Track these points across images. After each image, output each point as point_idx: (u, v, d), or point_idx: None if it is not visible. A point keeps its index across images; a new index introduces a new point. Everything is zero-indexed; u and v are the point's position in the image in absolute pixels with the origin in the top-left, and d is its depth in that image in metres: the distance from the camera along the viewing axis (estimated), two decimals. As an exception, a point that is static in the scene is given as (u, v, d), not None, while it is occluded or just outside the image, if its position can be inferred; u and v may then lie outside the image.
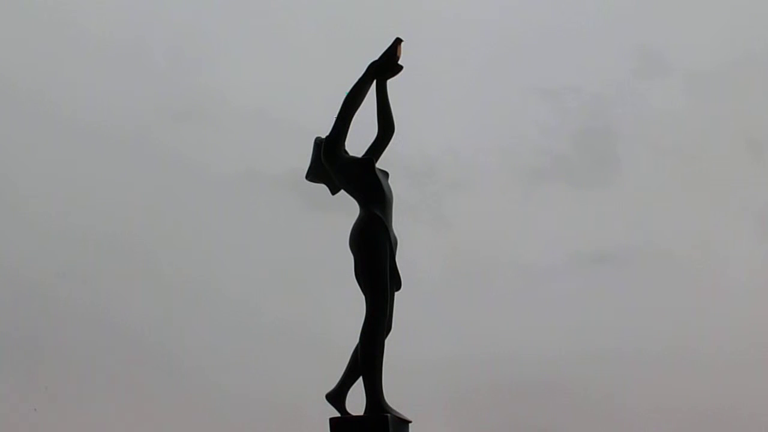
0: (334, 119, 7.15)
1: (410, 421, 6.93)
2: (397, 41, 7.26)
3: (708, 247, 14.27)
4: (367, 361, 6.76)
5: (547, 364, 12.97)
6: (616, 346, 13.15)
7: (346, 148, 7.29)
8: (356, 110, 7.19)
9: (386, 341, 6.92)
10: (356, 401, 6.99)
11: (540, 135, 15.03)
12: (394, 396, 6.86)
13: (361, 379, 6.88)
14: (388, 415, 6.58)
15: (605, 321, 13.42)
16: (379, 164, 7.36)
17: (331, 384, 7.17)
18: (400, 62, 7.30)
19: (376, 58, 7.25)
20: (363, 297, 6.92)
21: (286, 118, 14.08)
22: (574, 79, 15.09)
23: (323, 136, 7.25)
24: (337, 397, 7.11)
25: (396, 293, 7.07)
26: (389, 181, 7.30)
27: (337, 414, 7.01)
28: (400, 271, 7.03)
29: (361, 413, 6.73)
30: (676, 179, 14.77)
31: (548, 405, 12.84)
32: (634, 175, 14.84)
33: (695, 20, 14.93)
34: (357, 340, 6.91)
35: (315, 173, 7.47)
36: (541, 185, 15.01)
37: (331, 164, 7.20)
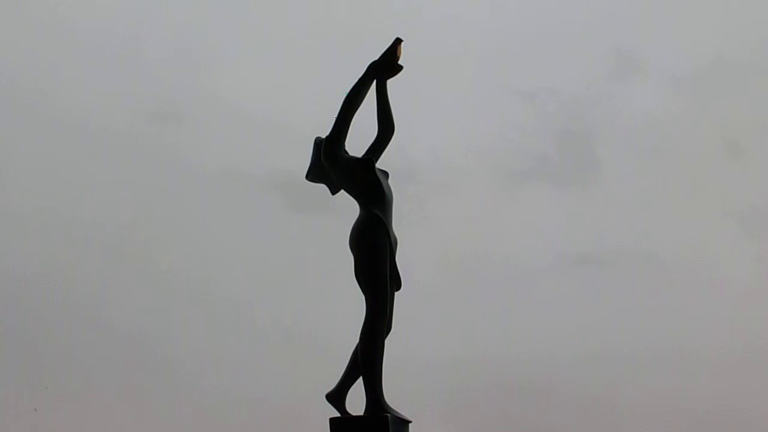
0: (335, 119, 7.15)
1: (410, 421, 6.93)
2: (397, 41, 7.25)
3: (693, 248, 14.36)
4: (367, 361, 6.76)
5: (538, 364, 13.03)
6: (605, 347, 13.23)
7: (346, 148, 7.29)
8: (356, 110, 7.18)
9: (386, 341, 6.93)
10: (356, 401, 6.99)
11: (520, 136, 15.19)
12: (394, 396, 6.87)
13: (361, 379, 6.88)
14: (388, 415, 6.58)
15: (594, 322, 13.49)
16: (378, 164, 7.36)
17: (331, 384, 7.18)
18: (399, 62, 7.30)
19: (376, 58, 7.26)
20: (363, 297, 6.91)
21: (271, 119, 14.16)
22: (552, 81, 15.22)
23: (323, 136, 7.25)
24: (337, 397, 7.11)
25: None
26: (389, 181, 7.31)
27: (337, 414, 7.02)
28: (400, 271, 7.04)
29: (361, 413, 6.73)
30: (657, 180, 14.89)
31: (539, 405, 12.89)
32: (615, 176, 14.97)
33: (670, 23, 15.09)
34: (357, 340, 6.91)
35: (315, 173, 7.46)
36: (522, 186, 15.14)
37: (331, 164, 7.19)
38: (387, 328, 6.95)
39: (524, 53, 14.93)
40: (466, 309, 13.34)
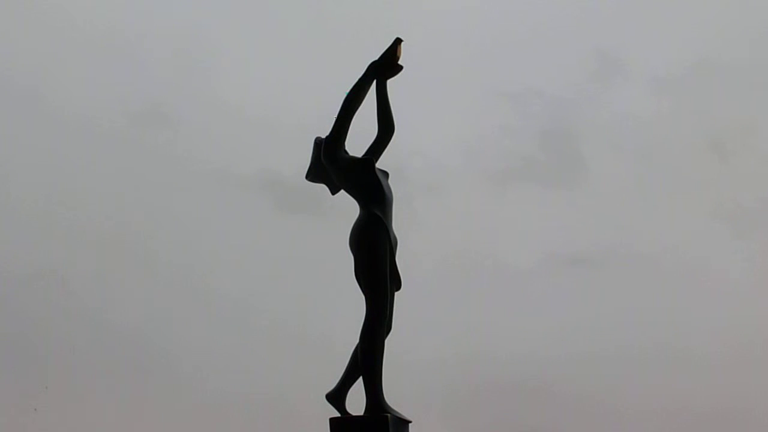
0: (335, 119, 7.15)
1: (410, 421, 6.94)
2: (397, 41, 7.26)
3: (682, 248, 14.44)
4: (367, 361, 6.76)
5: (532, 364, 13.08)
6: (597, 347, 13.28)
7: (346, 148, 7.29)
8: (356, 110, 7.18)
9: (386, 341, 6.93)
10: (356, 401, 7.00)
11: (505, 137, 15.24)
12: (394, 396, 6.87)
13: (361, 379, 6.88)
14: (388, 415, 6.59)
15: (586, 322, 13.55)
16: (378, 164, 7.37)
17: (331, 384, 7.18)
18: (400, 62, 7.31)
19: (376, 58, 7.26)
20: (362, 297, 6.91)
21: (260, 118, 14.20)
22: (536, 82, 15.28)
23: (322, 136, 7.25)
24: (337, 397, 7.11)
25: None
26: (389, 181, 7.32)
27: (337, 414, 7.02)
28: (400, 272, 7.04)
29: (361, 413, 6.74)
30: (644, 180, 14.98)
31: (535, 405, 12.94)
32: (602, 176, 15.05)
33: (652, 24, 15.20)
34: (357, 340, 6.91)
35: (315, 173, 7.45)
36: (510, 186, 15.20)
37: (331, 164, 7.19)
38: (387, 328, 6.96)
39: (507, 55, 15.02)
40: (457, 310, 13.37)
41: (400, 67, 7.34)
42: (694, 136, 15.04)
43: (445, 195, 14.77)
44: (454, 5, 15.34)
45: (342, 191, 7.38)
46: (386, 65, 7.28)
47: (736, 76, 14.93)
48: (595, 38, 15.23)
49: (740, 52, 14.88)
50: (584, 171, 15.21)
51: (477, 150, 15.13)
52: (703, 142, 15.13)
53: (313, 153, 7.41)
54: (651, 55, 15.21)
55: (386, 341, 6.93)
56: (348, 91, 7.15)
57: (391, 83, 7.49)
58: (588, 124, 15.31)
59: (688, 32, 14.95)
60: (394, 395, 6.89)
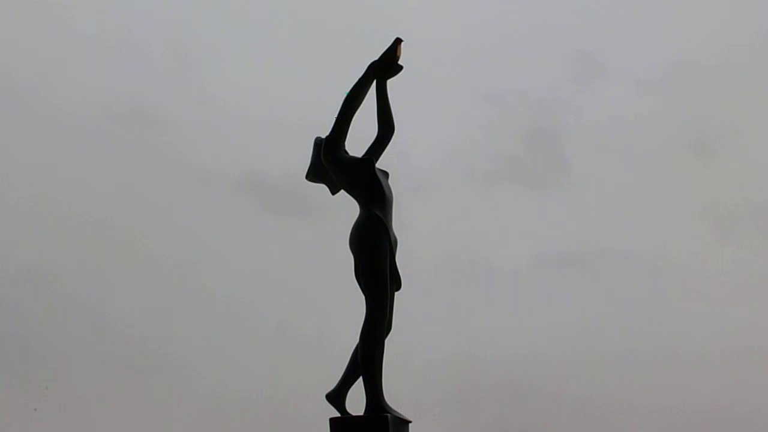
0: (335, 119, 7.15)
1: (410, 421, 6.94)
2: (397, 41, 7.27)
3: (668, 248, 14.50)
4: (367, 361, 6.76)
5: (526, 365, 13.11)
6: (588, 347, 13.35)
7: (346, 148, 7.29)
8: (356, 110, 7.19)
9: (386, 341, 6.93)
10: (356, 401, 7.00)
11: (489, 139, 15.36)
12: (394, 396, 6.87)
13: (361, 379, 6.88)
14: (388, 415, 6.59)
15: (575, 323, 13.60)
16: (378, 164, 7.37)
17: (331, 384, 7.18)
18: (400, 62, 7.31)
19: (376, 58, 7.26)
20: (362, 297, 6.91)
21: (250, 120, 14.23)
22: (519, 84, 15.41)
23: (323, 136, 7.25)
24: (337, 397, 7.11)
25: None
26: (389, 181, 7.32)
27: (337, 414, 7.02)
28: (400, 271, 7.04)
29: (361, 413, 6.74)
30: (627, 181, 15.12)
31: (532, 405, 12.97)
32: (586, 177, 15.20)
33: (633, 27, 15.36)
34: (356, 340, 6.91)
35: (315, 173, 7.45)
36: (495, 188, 15.29)
37: (331, 164, 7.19)
38: (387, 328, 6.96)
39: (491, 57, 15.12)
40: (448, 311, 13.39)
41: (400, 67, 7.34)
42: (678, 137, 15.16)
43: (431, 197, 14.82)
44: (437, 10, 15.41)
45: (342, 191, 7.38)
46: (386, 65, 7.28)
47: (717, 78, 15.04)
48: (577, 41, 15.40)
49: (722, 54, 14.96)
50: (568, 172, 15.34)
51: (462, 152, 15.26)
52: (686, 144, 15.27)
53: (313, 153, 7.41)
54: (633, 57, 15.35)
55: (386, 341, 6.93)
56: (348, 91, 7.15)
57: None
58: (572, 126, 15.45)
59: (670, 34, 15.06)
60: (394, 395, 6.89)
